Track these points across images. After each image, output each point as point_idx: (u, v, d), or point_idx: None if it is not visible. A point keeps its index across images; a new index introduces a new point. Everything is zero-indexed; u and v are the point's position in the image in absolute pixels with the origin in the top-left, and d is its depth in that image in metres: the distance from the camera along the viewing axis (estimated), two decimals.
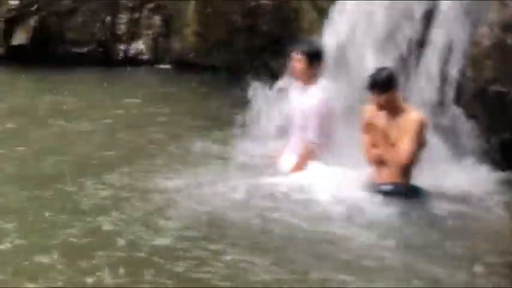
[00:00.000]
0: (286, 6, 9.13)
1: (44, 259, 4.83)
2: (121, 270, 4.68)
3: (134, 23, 10.57)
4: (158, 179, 6.24)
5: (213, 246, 5.09)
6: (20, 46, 10.27)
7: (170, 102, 8.80)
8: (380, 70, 6.04)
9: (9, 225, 5.32)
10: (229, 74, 9.24)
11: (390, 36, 6.88)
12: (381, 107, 5.95)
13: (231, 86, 8.30)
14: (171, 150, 7.05)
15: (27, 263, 4.80)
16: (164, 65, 10.48)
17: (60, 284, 4.55)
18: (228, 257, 4.94)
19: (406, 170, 5.91)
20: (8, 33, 10.28)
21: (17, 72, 9.96)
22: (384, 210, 5.72)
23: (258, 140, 6.67)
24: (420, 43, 6.87)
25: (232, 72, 9.18)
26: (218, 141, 7.15)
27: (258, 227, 5.44)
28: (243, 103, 6.72)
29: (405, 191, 5.92)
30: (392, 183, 5.94)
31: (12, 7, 10.26)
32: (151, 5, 10.55)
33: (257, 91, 6.57)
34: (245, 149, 6.71)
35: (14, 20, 10.26)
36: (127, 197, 5.87)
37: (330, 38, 6.92)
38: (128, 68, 10.35)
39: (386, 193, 5.90)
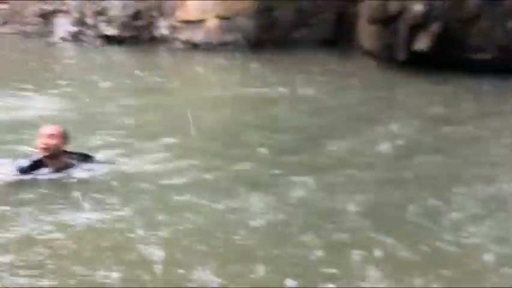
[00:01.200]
0: None
1: None
2: None
3: None
4: None
5: None
6: (420, 51, 10.32)
7: None
8: None
9: None
10: None
11: None
12: None
13: None
14: None
15: None
16: None
17: None
18: None
19: None
20: (410, 38, 10.38)
21: (418, 77, 10.04)
22: None
23: None
24: None
25: None
26: None
27: None
28: None
29: None
30: None
31: (418, 13, 10.32)
32: None
33: None
34: None
35: (418, 26, 10.32)
36: None
37: None
38: None
39: None
